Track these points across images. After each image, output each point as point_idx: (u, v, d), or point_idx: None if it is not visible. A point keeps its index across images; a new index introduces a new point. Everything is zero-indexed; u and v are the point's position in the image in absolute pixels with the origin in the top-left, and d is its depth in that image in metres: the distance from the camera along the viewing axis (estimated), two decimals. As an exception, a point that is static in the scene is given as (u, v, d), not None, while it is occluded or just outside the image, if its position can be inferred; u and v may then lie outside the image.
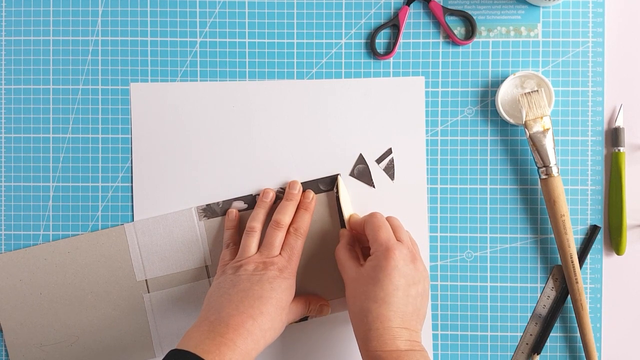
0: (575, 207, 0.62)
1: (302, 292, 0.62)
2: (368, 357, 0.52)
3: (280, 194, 0.62)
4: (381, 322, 0.52)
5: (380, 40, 0.63)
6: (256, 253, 0.58)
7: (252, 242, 0.58)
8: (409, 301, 0.53)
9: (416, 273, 0.54)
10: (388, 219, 0.58)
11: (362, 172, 0.63)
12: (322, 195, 0.62)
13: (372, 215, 0.58)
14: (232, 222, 0.62)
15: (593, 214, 0.62)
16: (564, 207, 0.59)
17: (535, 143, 0.58)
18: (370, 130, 0.62)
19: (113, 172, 0.63)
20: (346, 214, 0.61)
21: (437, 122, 0.62)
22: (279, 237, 0.58)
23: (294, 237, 0.59)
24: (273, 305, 0.53)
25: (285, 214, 0.59)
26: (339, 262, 0.58)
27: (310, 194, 0.61)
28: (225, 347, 0.49)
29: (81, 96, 0.63)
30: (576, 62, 0.62)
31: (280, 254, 0.58)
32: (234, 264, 0.57)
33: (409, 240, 0.57)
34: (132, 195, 0.63)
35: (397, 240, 0.55)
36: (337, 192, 0.61)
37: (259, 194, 0.62)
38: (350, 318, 0.55)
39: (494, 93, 0.62)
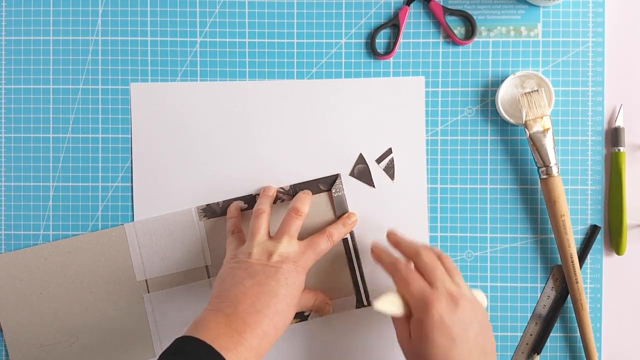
0: (576, 207, 0.62)
1: (307, 287, 0.61)
2: None
3: (281, 194, 0.62)
4: None
5: (380, 40, 0.63)
6: (269, 238, 0.57)
7: (262, 224, 0.57)
8: (471, 346, 0.49)
9: (465, 314, 0.50)
10: (416, 258, 0.54)
11: (362, 172, 0.63)
12: (323, 195, 0.62)
13: (395, 265, 0.54)
14: (235, 212, 0.61)
15: (593, 214, 0.62)
16: (564, 207, 0.59)
17: (535, 143, 0.58)
18: (370, 130, 0.62)
19: (113, 172, 0.63)
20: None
21: (437, 122, 0.62)
22: (295, 224, 0.57)
23: (321, 236, 0.58)
24: (287, 302, 0.53)
25: (304, 204, 0.58)
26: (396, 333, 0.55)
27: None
28: (242, 346, 0.49)
29: (81, 96, 0.63)
30: (576, 62, 0.62)
31: (296, 242, 0.57)
32: (246, 249, 0.56)
33: (444, 279, 0.52)
34: (132, 195, 0.63)
35: (431, 285, 0.52)
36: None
37: (258, 194, 0.62)
38: None
39: (494, 93, 0.62)
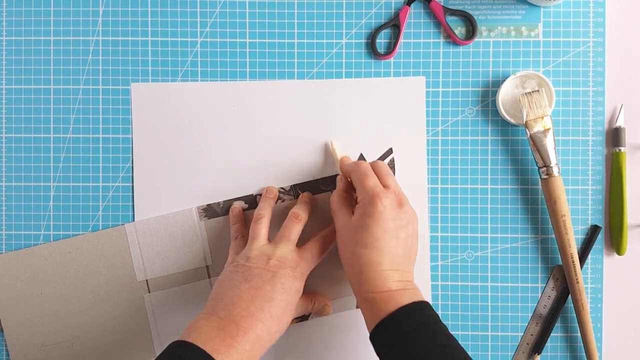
0: (576, 207, 0.62)
1: (306, 291, 0.62)
2: (361, 299, 0.53)
3: (282, 194, 0.62)
4: (371, 265, 0.52)
5: (381, 40, 0.63)
6: (268, 243, 0.57)
7: (261, 229, 0.58)
8: (399, 243, 0.53)
9: (404, 215, 0.54)
10: (374, 165, 0.58)
11: (362, 172, 0.62)
12: (323, 195, 0.62)
13: (357, 164, 0.57)
14: (237, 217, 0.61)
15: (594, 214, 0.62)
16: (565, 207, 0.59)
17: (535, 143, 0.58)
18: (370, 130, 0.62)
19: (114, 172, 0.63)
20: (338, 156, 0.61)
21: (437, 122, 0.62)
22: (295, 229, 0.57)
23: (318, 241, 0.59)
24: (282, 307, 0.53)
25: (304, 210, 0.59)
26: (332, 210, 0.58)
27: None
28: (234, 349, 0.49)
29: (82, 96, 0.63)
30: (577, 62, 0.62)
31: (295, 248, 0.57)
32: (245, 253, 0.56)
33: (396, 186, 0.56)
34: (132, 195, 0.63)
35: (384, 186, 0.55)
36: (333, 147, 0.62)
37: (259, 194, 0.62)
38: (342, 264, 0.56)
39: (495, 93, 0.62)
